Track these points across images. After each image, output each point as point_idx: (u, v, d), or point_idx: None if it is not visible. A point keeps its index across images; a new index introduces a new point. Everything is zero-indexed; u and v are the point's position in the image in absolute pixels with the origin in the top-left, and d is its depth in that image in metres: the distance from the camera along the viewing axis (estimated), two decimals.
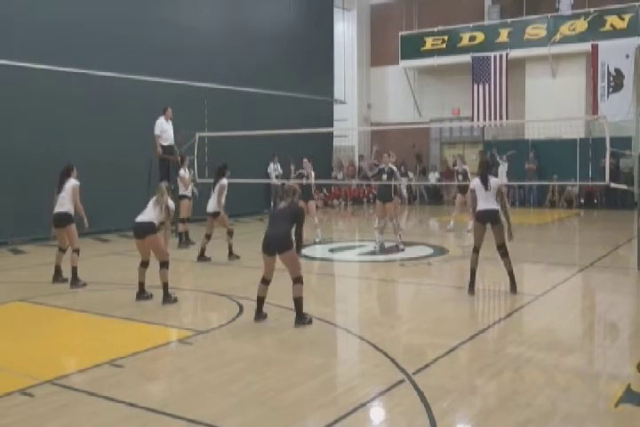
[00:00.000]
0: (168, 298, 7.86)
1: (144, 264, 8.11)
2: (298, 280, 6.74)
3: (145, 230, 7.86)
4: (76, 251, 9.04)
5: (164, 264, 7.91)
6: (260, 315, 6.97)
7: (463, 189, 14.02)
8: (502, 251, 8.02)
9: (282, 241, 6.69)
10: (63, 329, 7.04)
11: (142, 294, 8.10)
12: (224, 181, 11.17)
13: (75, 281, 8.88)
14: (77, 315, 7.45)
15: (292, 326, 6.80)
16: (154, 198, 8.15)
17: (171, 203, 8.20)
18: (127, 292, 8.35)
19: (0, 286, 9.21)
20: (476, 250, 8.12)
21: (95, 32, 14.31)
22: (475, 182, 8.20)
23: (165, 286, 7.88)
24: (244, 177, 14.77)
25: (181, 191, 12.98)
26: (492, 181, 8.11)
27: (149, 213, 8.01)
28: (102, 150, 14.22)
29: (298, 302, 6.74)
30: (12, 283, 9.35)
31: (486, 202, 8.02)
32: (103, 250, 12.58)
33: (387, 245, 12.17)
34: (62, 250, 9.28)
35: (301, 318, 6.76)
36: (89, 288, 8.83)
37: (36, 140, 13.29)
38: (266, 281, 6.90)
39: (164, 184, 8.39)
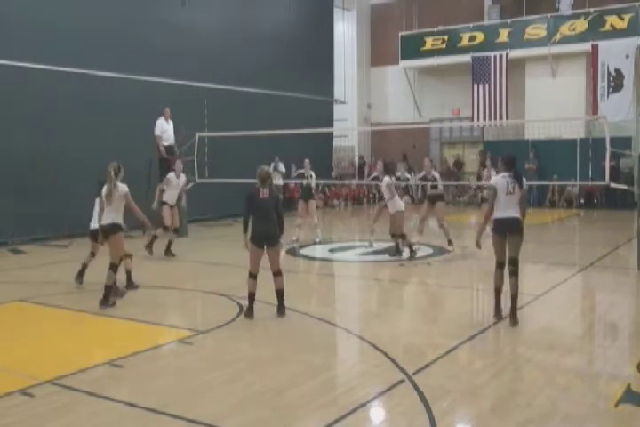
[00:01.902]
0: (106, 302, 7.60)
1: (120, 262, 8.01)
2: (280, 273, 7.14)
3: (111, 231, 7.78)
4: (129, 256, 8.67)
5: (113, 266, 7.74)
6: (251, 312, 7.05)
7: (436, 198, 12.10)
8: (513, 268, 6.75)
9: (273, 235, 7.05)
10: (63, 329, 7.03)
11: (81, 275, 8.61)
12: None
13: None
14: (77, 315, 7.45)
15: (293, 326, 6.81)
16: (104, 191, 7.82)
17: (122, 186, 7.89)
18: (127, 292, 8.34)
19: (0, 286, 9.20)
20: (500, 265, 6.85)
21: (95, 32, 14.31)
22: (496, 181, 6.88)
23: (107, 288, 7.64)
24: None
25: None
26: (522, 182, 6.80)
27: (110, 213, 7.79)
28: (102, 150, 14.17)
29: (282, 293, 7.14)
30: (12, 283, 9.35)
31: (506, 208, 6.74)
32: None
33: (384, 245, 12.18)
34: (93, 254, 9.03)
35: (284, 309, 7.12)
36: (89, 288, 8.81)
37: (35, 140, 13.28)
38: (254, 275, 7.13)
39: (111, 166, 7.92)
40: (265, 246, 7.05)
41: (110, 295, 7.68)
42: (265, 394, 4.86)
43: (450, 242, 11.84)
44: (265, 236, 7.02)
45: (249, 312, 7.06)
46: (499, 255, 6.85)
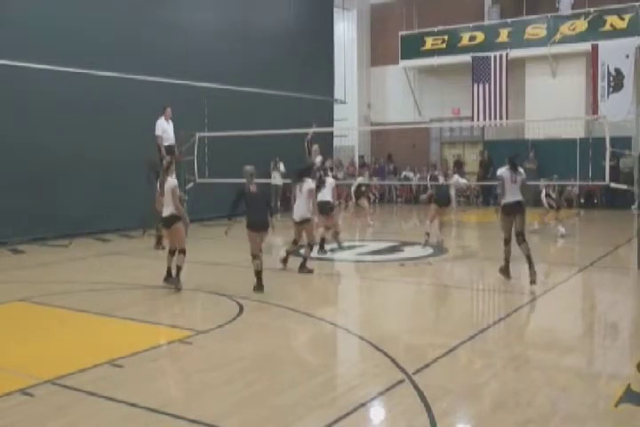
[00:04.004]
0: (174, 280, 8.51)
1: (171, 252, 8.79)
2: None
3: (171, 221, 8.64)
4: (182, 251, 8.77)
5: (181, 251, 8.61)
6: (261, 286, 8.27)
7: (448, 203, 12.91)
8: (520, 238, 8.41)
9: (265, 223, 8.51)
10: (63, 329, 7.03)
11: (169, 277, 8.79)
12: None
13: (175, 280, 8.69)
14: (77, 315, 7.45)
15: (293, 326, 6.81)
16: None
17: (172, 181, 8.62)
18: (127, 292, 8.35)
19: (0, 286, 9.21)
20: (507, 242, 8.64)
21: (95, 32, 14.30)
22: (502, 173, 8.62)
23: (179, 270, 8.54)
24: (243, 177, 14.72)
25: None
26: (520, 173, 8.62)
27: (169, 206, 8.57)
28: (102, 150, 14.22)
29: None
30: (12, 283, 9.35)
31: (511, 194, 8.51)
32: (103, 250, 12.57)
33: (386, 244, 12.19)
34: (172, 252, 8.90)
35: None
36: (89, 288, 8.82)
37: (35, 140, 13.27)
38: (256, 256, 8.38)
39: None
40: (260, 232, 8.42)
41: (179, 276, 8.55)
42: (265, 394, 4.86)
43: (427, 241, 12.09)
44: (257, 225, 8.41)
45: (259, 286, 8.25)
46: (505, 232, 8.62)
